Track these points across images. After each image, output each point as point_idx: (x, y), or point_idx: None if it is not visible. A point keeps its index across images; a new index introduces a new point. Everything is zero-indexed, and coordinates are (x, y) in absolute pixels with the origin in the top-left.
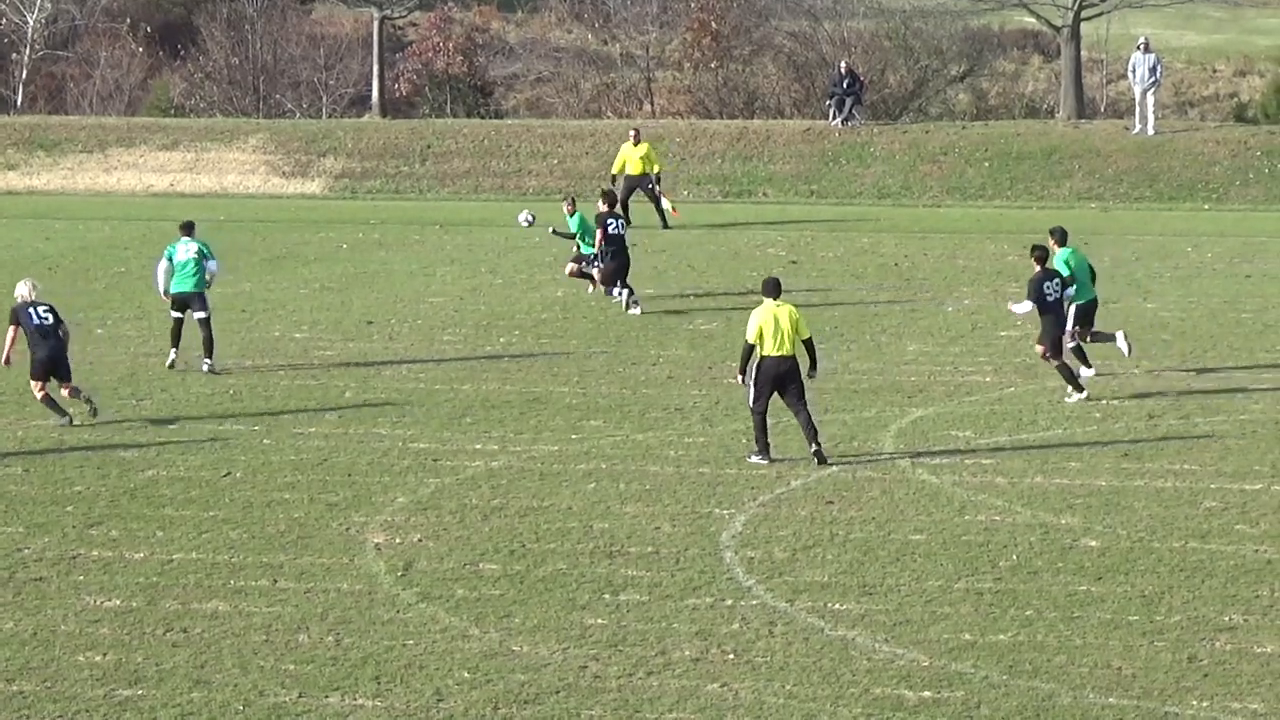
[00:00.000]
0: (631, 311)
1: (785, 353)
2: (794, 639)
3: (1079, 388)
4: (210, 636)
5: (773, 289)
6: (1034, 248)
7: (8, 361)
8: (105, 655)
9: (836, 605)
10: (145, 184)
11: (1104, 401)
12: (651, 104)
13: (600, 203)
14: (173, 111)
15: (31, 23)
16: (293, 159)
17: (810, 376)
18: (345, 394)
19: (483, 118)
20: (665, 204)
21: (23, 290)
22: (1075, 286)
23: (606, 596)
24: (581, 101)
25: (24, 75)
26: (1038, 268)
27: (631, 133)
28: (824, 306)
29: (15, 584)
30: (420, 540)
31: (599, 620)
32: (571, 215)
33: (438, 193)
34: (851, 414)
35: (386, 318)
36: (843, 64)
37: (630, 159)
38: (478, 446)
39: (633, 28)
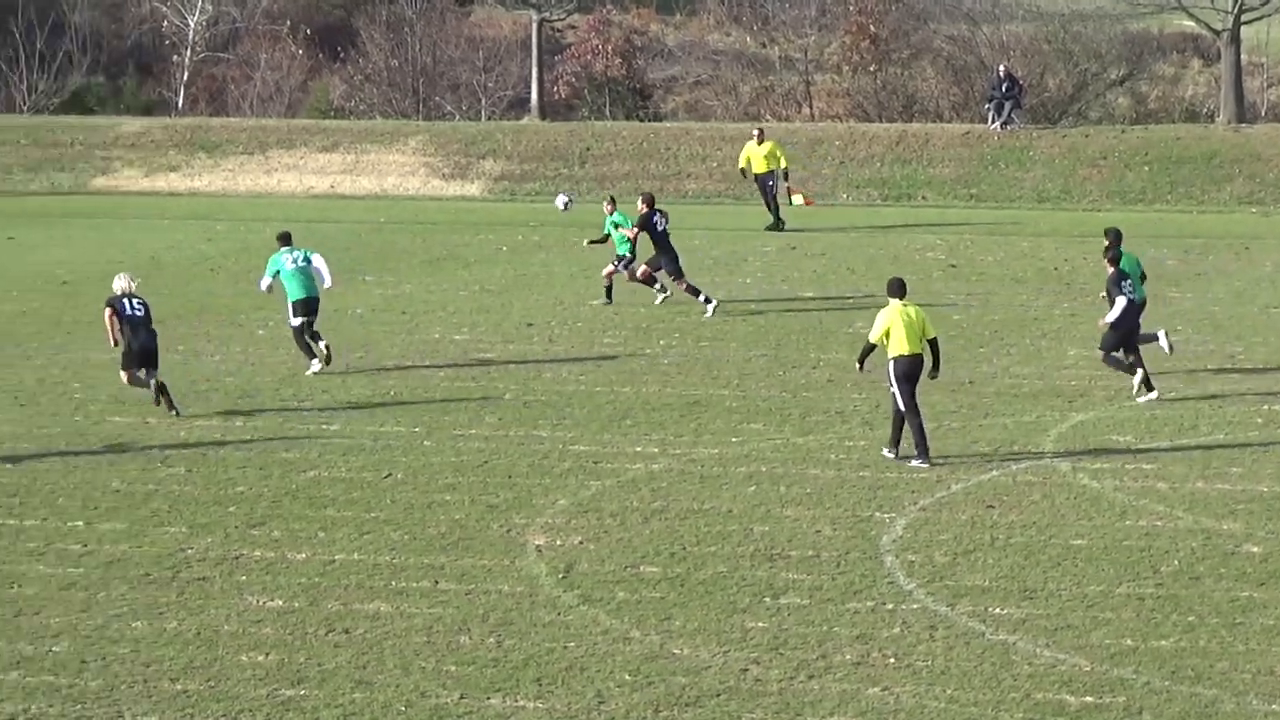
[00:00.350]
0: (660, 299)
1: (916, 351)
2: (955, 643)
3: (1149, 386)
4: (372, 637)
5: (898, 289)
6: (1106, 248)
7: (115, 343)
8: (268, 655)
9: (997, 610)
10: (305, 186)
11: (1265, 407)
12: (810, 107)
13: (640, 204)
14: (332, 113)
15: (193, 25)
16: (452, 161)
17: (932, 377)
18: (506, 396)
19: (641, 120)
20: (797, 198)
21: (121, 284)
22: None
23: (767, 600)
24: (740, 104)
25: (185, 77)
26: (1111, 269)
27: (755, 131)
28: (983, 311)
29: (179, 583)
30: (581, 542)
31: (760, 623)
32: (611, 215)
33: (597, 195)
34: (1012, 418)
35: (546, 320)
36: (1001, 67)
37: (755, 157)
38: (638, 449)
39: (791, 30)
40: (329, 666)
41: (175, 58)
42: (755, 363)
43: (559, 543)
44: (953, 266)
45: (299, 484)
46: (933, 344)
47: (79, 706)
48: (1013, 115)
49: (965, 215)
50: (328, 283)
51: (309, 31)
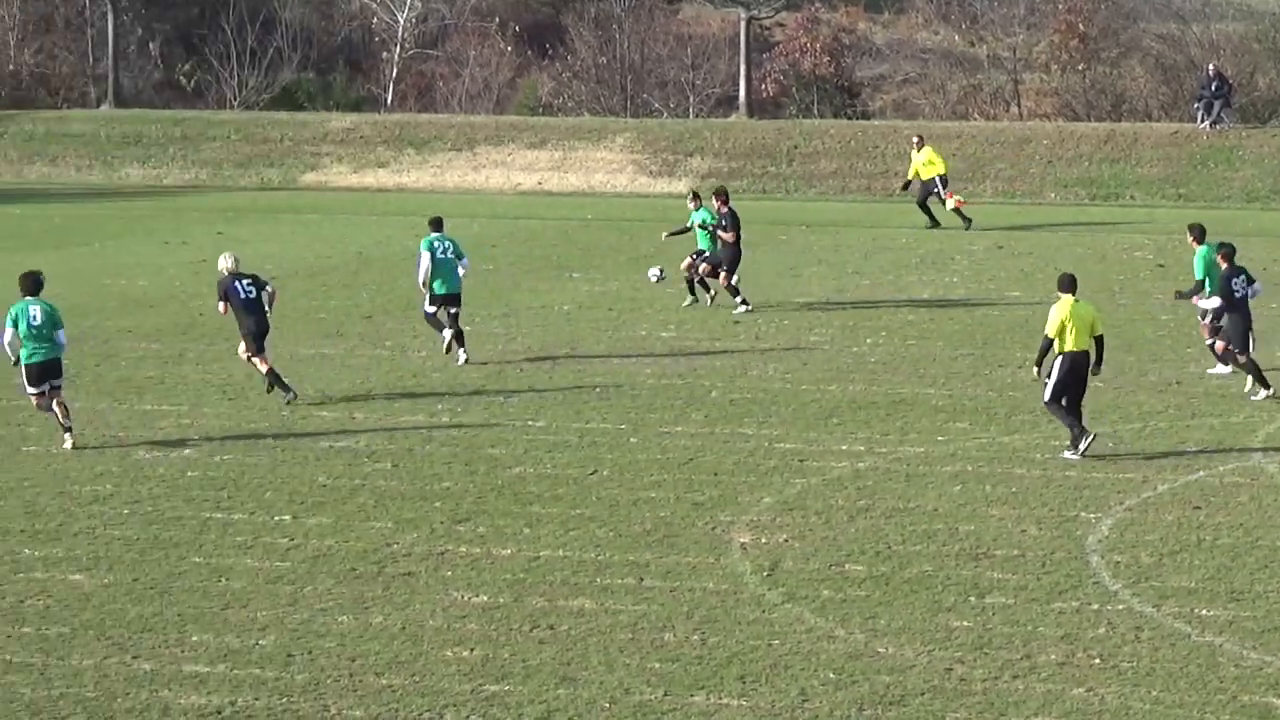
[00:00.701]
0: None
1: (1084, 348)
2: (1160, 644)
3: (1266, 384)
4: (576, 634)
5: (1070, 285)
6: (1220, 245)
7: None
8: (472, 650)
9: (1203, 611)
10: (513, 182)
11: None
12: (1018, 106)
13: (714, 201)
14: (540, 110)
15: (402, 21)
16: (660, 158)
17: (1094, 374)
18: (712, 393)
19: (849, 119)
20: (950, 201)
21: (227, 263)
22: (1209, 284)
23: (972, 599)
24: (948, 103)
25: (394, 74)
26: (1224, 264)
27: (915, 139)
28: (1191, 311)
29: (384, 578)
30: (786, 540)
31: (964, 623)
32: (696, 210)
33: (804, 193)
34: (1219, 418)
35: (753, 317)
36: (1211, 66)
37: (916, 163)
38: (843, 447)
39: (999, 29)
40: (533, 663)
41: (384, 54)
42: (961, 361)
43: (764, 540)
44: (1160, 266)
45: (504, 480)
46: (1099, 341)
47: (285, 700)
48: (1222, 114)
49: (1173, 215)
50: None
51: (517, 28)
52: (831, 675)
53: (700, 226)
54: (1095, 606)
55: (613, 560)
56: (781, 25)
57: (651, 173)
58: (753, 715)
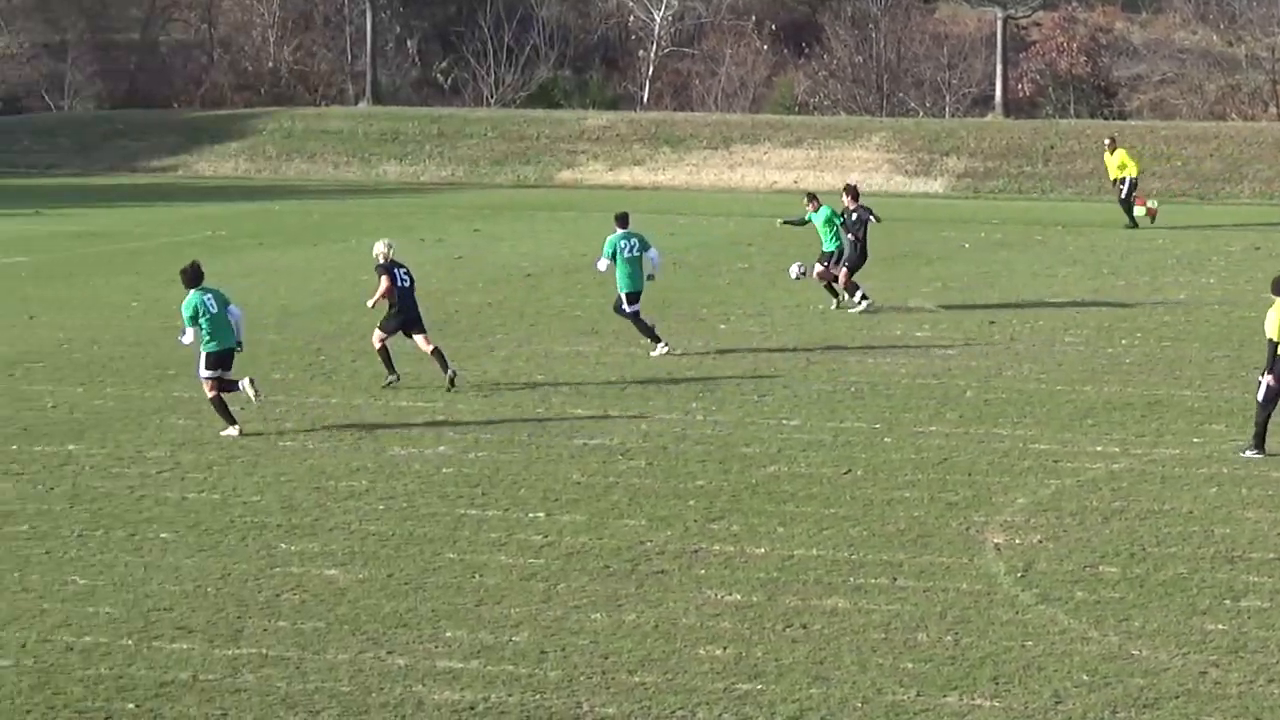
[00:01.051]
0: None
1: None
2: None
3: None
4: (829, 633)
5: None
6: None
7: (390, 301)
8: (725, 649)
9: None
10: (768, 181)
11: None
12: (1277, 106)
13: (845, 197)
14: (796, 109)
15: (658, 20)
16: (915, 158)
17: None
18: (966, 393)
19: (1105, 119)
20: (1140, 209)
21: (383, 248)
22: None
23: (1227, 602)
24: (1205, 103)
25: (650, 72)
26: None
27: (1107, 141)
28: None
29: (638, 576)
30: (1040, 541)
31: (1219, 626)
32: (816, 211)
33: (1060, 193)
34: None
35: (1008, 318)
36: None
37: (1110, 166)
38: (1098, 449)
39: (1258, 29)
40: (786, 661)
41: (640, 52)
42: (1217, 363)
43: (1017, 541)
44: None
45: (759, 479)
46: None
47: (538, 696)
48: None
49: None
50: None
51: (774, 27)
52: (1085, 677)
53: (829, 224)
54: None
55: (866, 560)
56: (1038, 25)
57: (907, 172)
58: (1005, 717)
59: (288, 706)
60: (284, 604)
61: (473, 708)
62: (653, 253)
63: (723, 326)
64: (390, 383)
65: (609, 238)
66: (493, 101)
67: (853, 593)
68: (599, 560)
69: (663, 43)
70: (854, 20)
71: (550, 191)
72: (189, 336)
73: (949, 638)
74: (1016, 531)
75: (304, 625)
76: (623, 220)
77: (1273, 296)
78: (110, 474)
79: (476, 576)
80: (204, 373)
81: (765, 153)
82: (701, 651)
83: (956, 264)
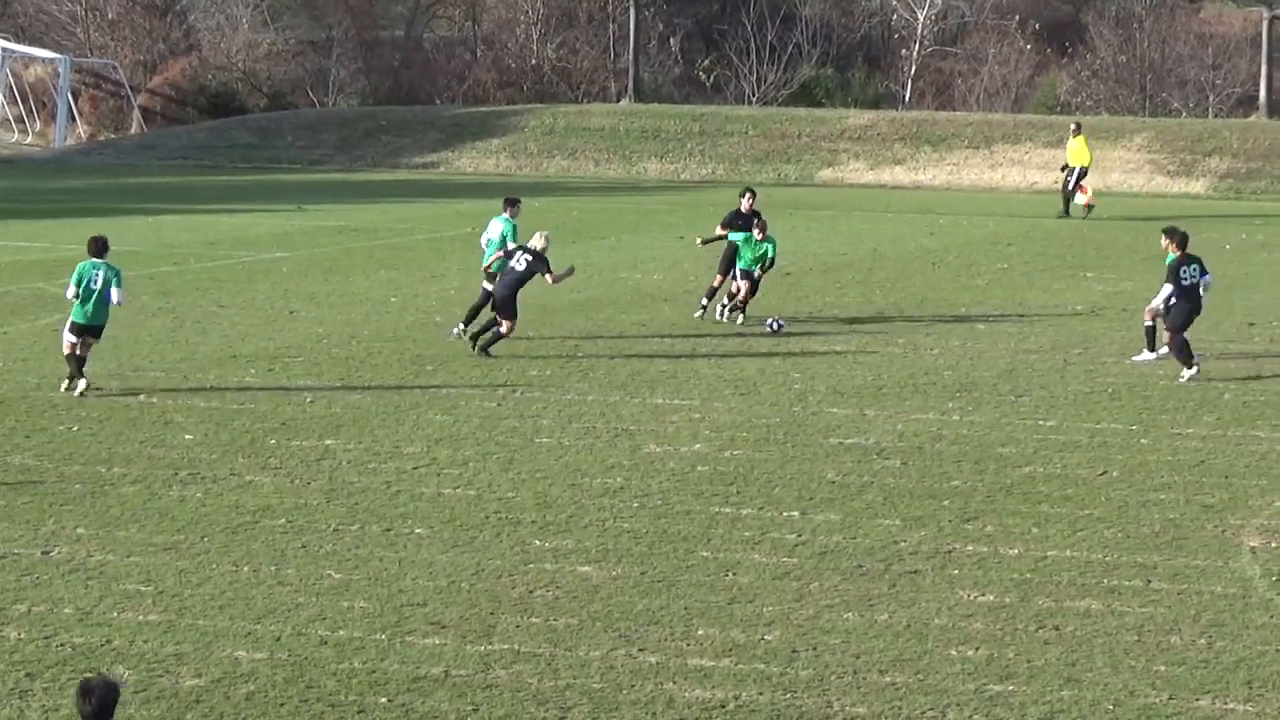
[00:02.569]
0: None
1: None
2: None
3: (1190, 364)
4: (1082, 635)
5: None
6: (1170, 232)
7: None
8: (977, 650)
9: None
10: (1029, 181)
11: None
12: None
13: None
14: (1059, 109)
15: (921, 19)
16: (1177, 158)
17: None
18: (1225, 395)
19: None
20: (1080, 197)
21: (543, 243)
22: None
23: None
24: None
25: (913, 71)
26: (1177, 252)
27: (1073, 125)
28: None
29: (891, 576)
30: None
31: None
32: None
33: None
34: None
35: (1268, 319)
36: None
37: (1070, 151)
38: None
39: None
40: (1038, 663)
41: (903, 51)
42: None
43: (1274, 545)
44: None
45: (1014, 479)
46: None
47: (788, 695)
48: None
49: None
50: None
51: (1037, 26)
52: None
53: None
54: None
55: (1120, 562)
56: None
57: (1169, 172)
58: None
59: (539, 703)
60: (537, 600)
61: (723, 706)
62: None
63: (981, 326)
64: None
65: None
66: (754, 99)
67: (1106, 595)
68: (852, 560)
69: (925, 41)
70: (1118, 19)
71: (811, 190)
72: (71, 292)
73: (1203, 641)
74: (1273, 535)
75: (556, 622)
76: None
77: None
78: (366, 469)
79: (729, 575)
80: (66, 335)
81: (1027, 152)
82: (953, 652)
83: (1217, 265)
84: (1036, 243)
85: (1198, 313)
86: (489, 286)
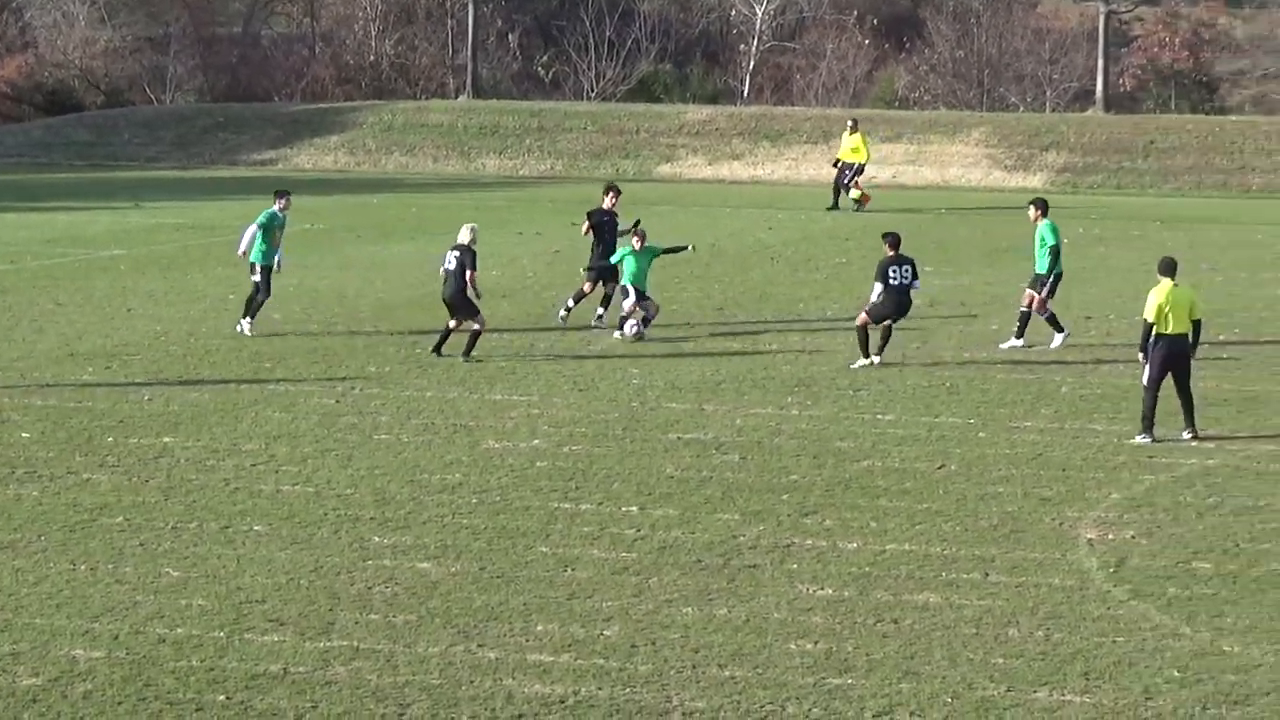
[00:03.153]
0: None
1: (1181, 332)
2: None
3: (867, 354)
4: (920, 628)
5: (1169, 269)
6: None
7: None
8: (816, 644)
9: None
10: (867, 175)
11: None
12: None
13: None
14: (895, 104)
15: (760, 14)
16: (1014, 153)
17: (1190, 356)
18: (1062, 389)
19: (1206, 114)
20: (855, 193)
21: (467, 236)
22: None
23: None
24: None
25: (751, 66)
26: (890, 252)
27: (850, 122)
28: None
29: (729, 571)
30: (1133, 537)
31: None
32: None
33: (1159, 189)
34: None
35: (1104, 313)
36: None
37: (845, 146)
38: (1193, 444)
39: None
40: (876, 656)
41: (742, 46)
42: None
43: (1111, 537)
44: None
45: (852, 473)
46: (1196, 325)
47: (628, 690)
48: None
49: None
50: None
51: (875, 21)
52: (1176, 673)
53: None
54: None
55: (958, 555)
56: (1140, 19)
57: (1006, 167)
58: (1095, 712)
59: (378, 699)
60: (376, 597)
61: (562, 701)
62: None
63: (819, 321)
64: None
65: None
66: (593, 95)
67: (944, 588)
68: (691, 554)
69: (764, 37)
70: (955, 14)
71: (649, 186)
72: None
73: (1040, 633)
74: (1110, 527)
75: (395, 618)
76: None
77: (1159, 277)
78: (205, 466)
79: (568, 570)
80: None
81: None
82: (792, 646)
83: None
84: (874, 237)
85: (902, 314)
86: (257, 278)
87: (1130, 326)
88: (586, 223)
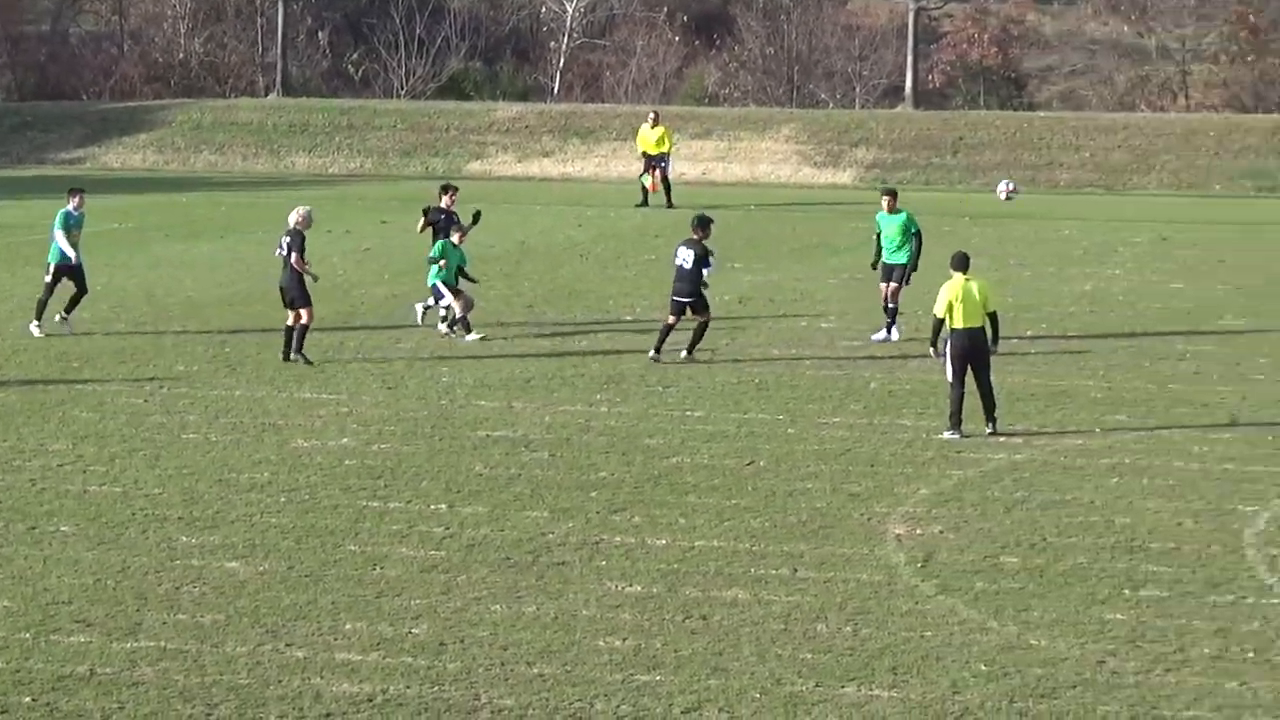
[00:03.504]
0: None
1: (974, 325)
2: None
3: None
4: (729, 624)
5: (961, 263)
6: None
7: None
8: (625, 640)
9: None
10: (677, 172)
11: None
12: (1186, 97)
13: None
14: (706, 101)
15: (570, 11)
16: (824, 149)
17: (992, 351)
18: (871, 384)
19: (1015, 110)
20: (648, 179)
21: (294, 217)
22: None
23: (1126, 592)
24: (1115, 94)
25: (561, 63)
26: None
27: (651, 114)
28: None
29: (539, 568)
30: (941, 532)
31: (1118, 615)
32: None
33: (968, 184)
34: None
35: (913, 308)
36: None
37: (646, 139)
38: (1001, 439)
39: (1169, 20)
40: (685, 653)
41: (552, 44)
42: (1121, 354)
43: (919, 532)
44: None
45: (661, 470)
46: (993, 318)
47: (436, 688)
48: None
49: None
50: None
51: (685, 18)
52: (983, 667)
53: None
54: (1250, 600)
55: (767, 551)
56: (950, 16)
57: (816, 163)
58: (903, 707)
59: (185, 699)
60: (183, 597)
61: (371, 700)
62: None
63: (628, 318)
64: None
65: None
66: (403, 93)
67: (753, 584)
68: (500, 552)
69: (574, 34)
70: (765, 11)
71: (460, 184)
72: None
73: (848, 628)
74: (918, 522)
75: (203, 618)
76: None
77: (952, 271)
78: (11, 467)
79: (377, 569)
80: None
81: (676, 144)
82: (601, 643)
83: (864, 255)
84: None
85: (680, 298)
86: (49, 278)
87: None
88: (423, 220)
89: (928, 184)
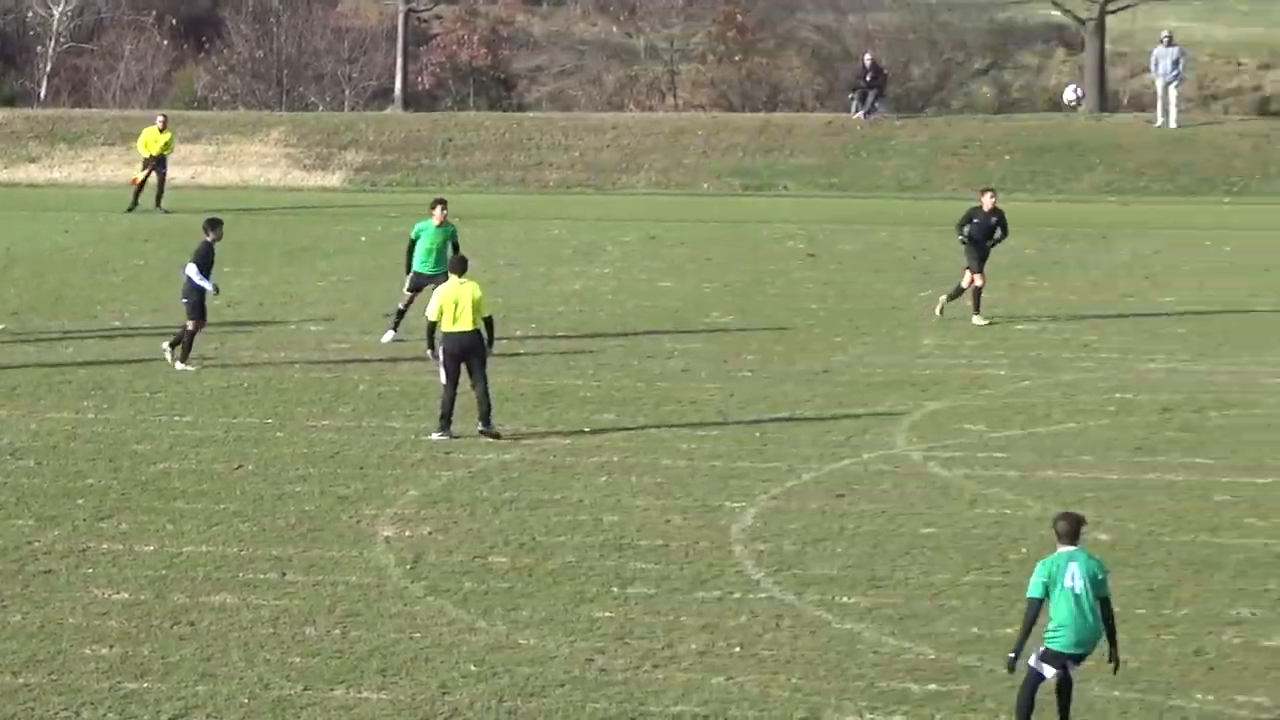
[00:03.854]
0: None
1: (466, 328)
2: (801, 632)
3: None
4: (217, 629)
5: (459, 266)
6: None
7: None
8: (112, 648)
9: (844, 599)
10: (169, 176)
11: (1118, 396)
12: (674, 96)
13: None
14: (195, 104)
15: (57, 15)
16: (314, 152)
17: (489, 353)
18: (360, 387)
19: (505, 111)
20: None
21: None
22: None
23: (614, 590)
24: (604, 94)
25: (48, 68)
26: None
27: (160, 117)
28: (840, 300)
29: (24, 577)
30: (430, 533)
31: (606, 613)
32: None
33: (458, 185)
34: (865, 407)
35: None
36: (866, 57)
37: (152, 141)
38: (489, 440)
39: (658, 20)
40: (173, 659)
41: (39, 48)
42: (610, 353)
43: (408, 533)
44: (811, 256)
45: (149, 476)
46: (488, 322)
47: None
48: (875, 104)
49: (826, 205)
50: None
51: (174, 22)
52: (472, 667)
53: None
54: (737, 595)
55: (256, 555)
56: (439, 18)
57: (305, 166)
58: (393, 709)
59: None
60: None
61: None
62: None
63: (117, 323)
64: None
65: None
66: None
67: (241, 588)
68: None
69: (62, 38)
70: (255, 15)
71: None
72: None
73: (337, 631)
74: (407, 524)
75: None
76: None
77: (450, 274)
78: None
79: None
80: None
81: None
82: (88, 651)
83: (354, 257)
84: (175, 239)
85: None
86: None
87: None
88: None
89: (417, 185)
